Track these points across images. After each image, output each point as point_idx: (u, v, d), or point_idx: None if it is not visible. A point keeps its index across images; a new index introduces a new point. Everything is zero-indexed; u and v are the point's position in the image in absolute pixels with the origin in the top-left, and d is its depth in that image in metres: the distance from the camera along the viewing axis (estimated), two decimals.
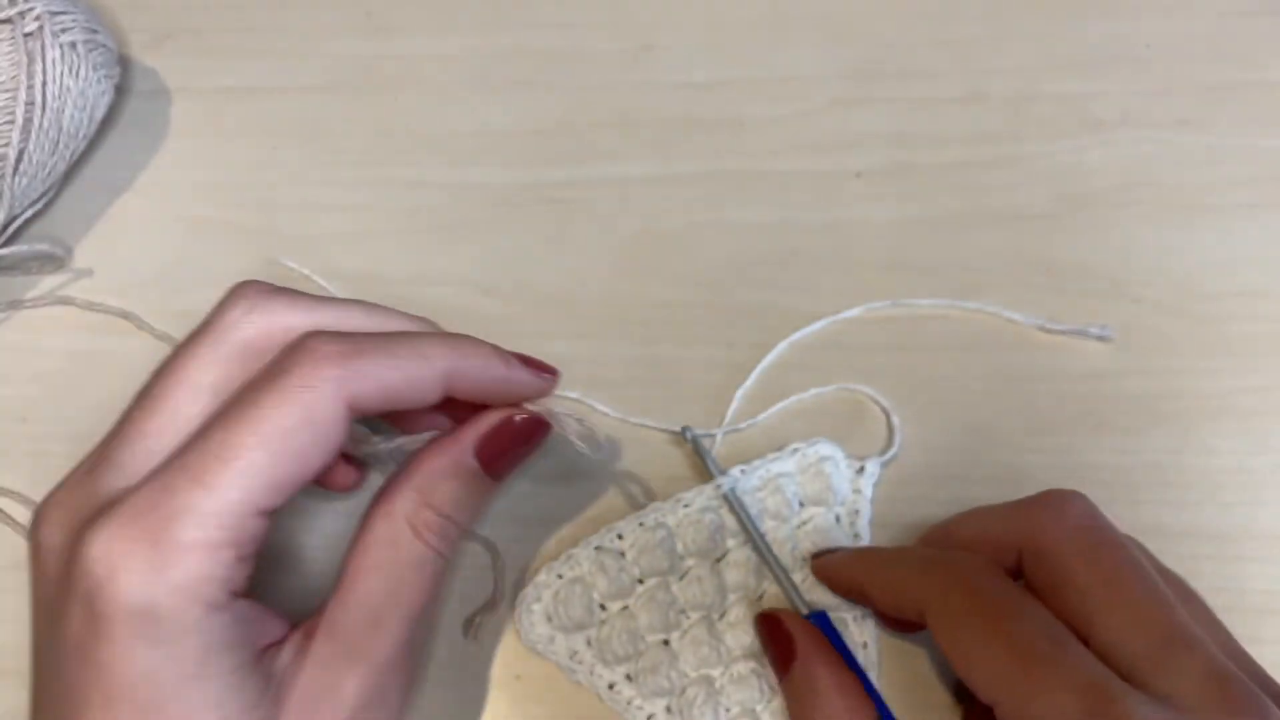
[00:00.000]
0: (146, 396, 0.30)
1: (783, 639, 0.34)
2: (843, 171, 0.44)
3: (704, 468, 0.37)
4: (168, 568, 0.26)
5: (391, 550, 0.30)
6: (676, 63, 0.46)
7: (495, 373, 0.32)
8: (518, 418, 0.32)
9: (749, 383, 0.40)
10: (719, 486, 0.37)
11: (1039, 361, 0.40)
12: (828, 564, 0.36)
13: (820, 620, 0.35)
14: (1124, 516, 0.30)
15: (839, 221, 0.43)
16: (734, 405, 0.39)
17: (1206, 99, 0.44)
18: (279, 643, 0.30)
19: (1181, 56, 0.45)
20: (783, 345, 0.40)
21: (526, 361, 0.33)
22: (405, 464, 0.32)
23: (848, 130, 0.44)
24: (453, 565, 0.32)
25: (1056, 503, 0.32)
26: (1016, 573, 0.32)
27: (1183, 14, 0.46)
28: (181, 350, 0.31)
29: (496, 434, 0.32)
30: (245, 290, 0.31)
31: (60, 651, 0.27)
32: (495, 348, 0.32)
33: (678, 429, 0.38)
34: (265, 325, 0.30)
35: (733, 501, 0.37)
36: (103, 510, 0.28)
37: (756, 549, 0.36)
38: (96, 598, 0.26)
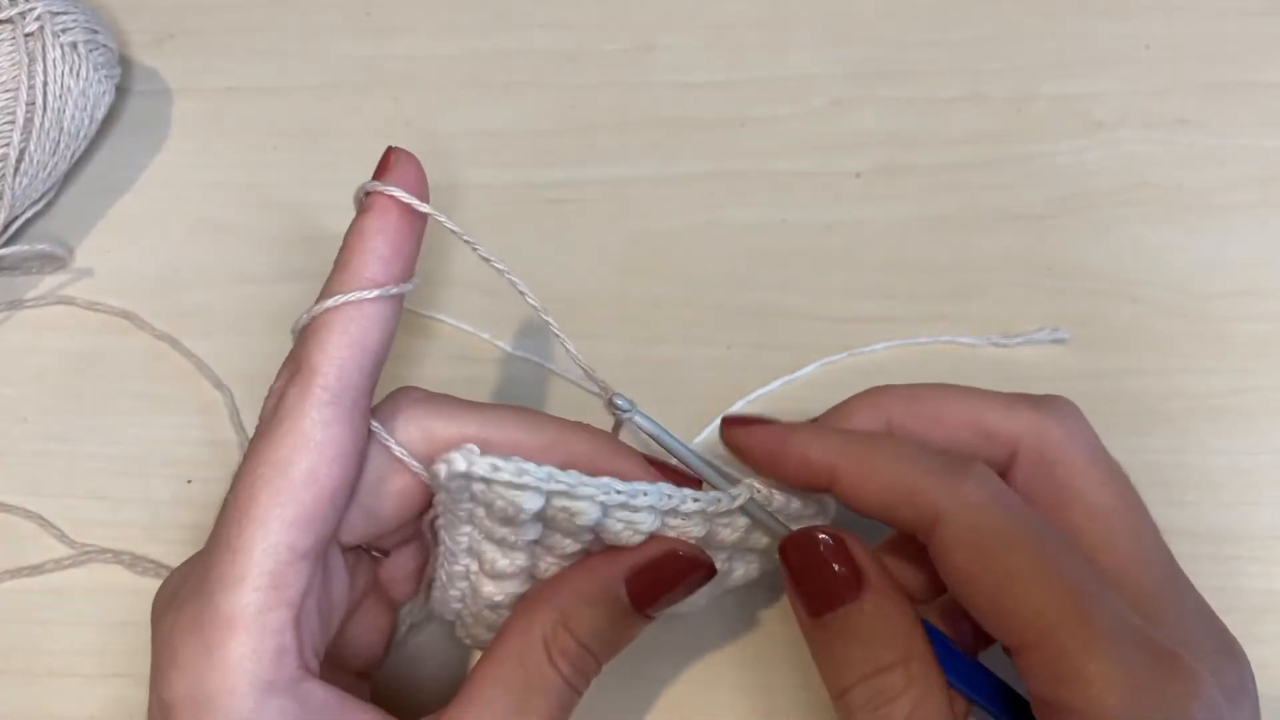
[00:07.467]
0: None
1: (848, 564, 0.28)
2: (843, 171, 0.44)
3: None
4: (213, 648, 0.25)
5: (520, 670, 0.28)
6: (676, 63, 0.46)
7: (606, 463, 0.29)
8: (681, 551, 0.29)
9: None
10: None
11: (1039, 360, 0.40)
12: (765, 433, 0.30)
13: None
14: None
15: (839, 221, 0.43)
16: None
17: (1206, 99, 0.44)
18: None
19: (1181, 56, 0.45)
20: (776, 383, 0.40)
21: (669, 471, 0.31)
22: (554, 578, 0.30)
23: (848, 130, 0.44)
24: (583, 701, 0.29)
25: (1063, 410, 0.29)
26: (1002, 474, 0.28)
27: (1183, 14, 0.46)
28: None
29: (654, 568, 0.29)
30: (400, 399, 0.30)
31: None
32: (631, 451, 0.30)
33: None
34: (415, 435, 0.29)
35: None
36: (180, 589, 0.27)
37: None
38: (161, 686, 0.26)
